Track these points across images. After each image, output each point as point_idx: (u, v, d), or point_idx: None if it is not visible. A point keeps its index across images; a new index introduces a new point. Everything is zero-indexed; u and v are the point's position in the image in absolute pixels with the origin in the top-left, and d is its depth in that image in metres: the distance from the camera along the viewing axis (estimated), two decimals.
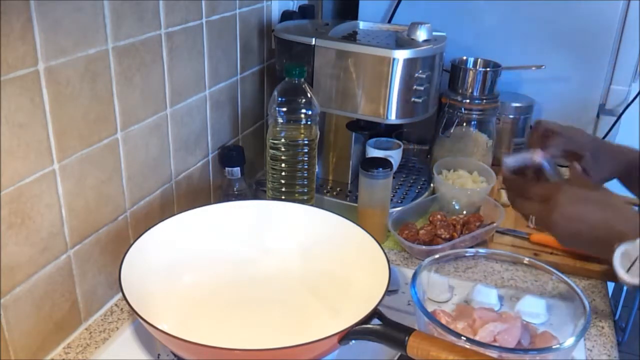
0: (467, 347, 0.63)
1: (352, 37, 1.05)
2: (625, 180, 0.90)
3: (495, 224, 0.99)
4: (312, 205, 0.92)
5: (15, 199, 0.63)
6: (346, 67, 0.98)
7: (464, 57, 1.20)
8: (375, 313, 0.64)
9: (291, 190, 0.96)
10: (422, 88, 0.98)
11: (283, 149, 0.93)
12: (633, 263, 0.65)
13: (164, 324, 0.69)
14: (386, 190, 0.96)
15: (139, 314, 0.65)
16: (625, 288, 1.29)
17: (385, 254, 0.75)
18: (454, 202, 1.06)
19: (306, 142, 0.93)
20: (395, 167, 1.03)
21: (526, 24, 1.23)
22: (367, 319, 0.64)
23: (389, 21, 1.29)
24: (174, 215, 0.82)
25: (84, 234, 0.75)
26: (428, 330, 0.67)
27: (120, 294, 0.68)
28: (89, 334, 0.77)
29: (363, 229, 0.81)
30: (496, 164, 1.24)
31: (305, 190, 0.97)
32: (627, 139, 1.24)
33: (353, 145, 1.09)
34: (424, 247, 0.94)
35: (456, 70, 1.16)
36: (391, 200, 1.02)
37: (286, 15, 1.16)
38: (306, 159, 0.94)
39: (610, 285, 0.94)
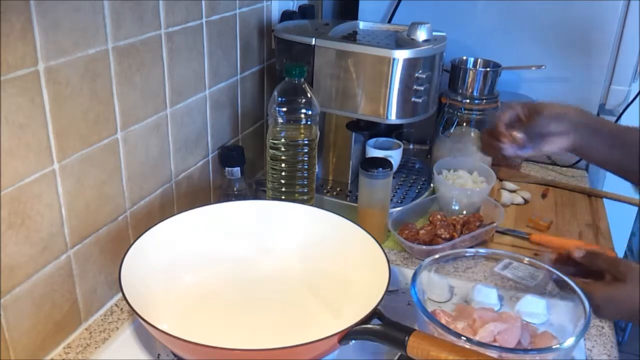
0: (467, 347, 0.63)
1: (352, 37, 1.05)
2: (620, 171, 0.85)
3: (495, 224, 0.99)
4: (312, 205, 0.92)
5: (15, 199, 0.63)
6: (346, 67, 0.98)
7: (464, 57, 1.20)
8: (375, 313, 0.64)
9: (291, 190, 0.96)
10: (422, 88, 0.98)
11: (283, 149, 0.93)
12: None
13: (164, 324, 0.69)
14: (386, 190, 0.96)
15: (139, 314, 0.65)
16: None
17: (385, 254, 0.75)
18: (454, 202, 1.06)
19: (306, 142, 0.93)
20: (395, 167, 1.03)
21: (526, 24, 1.23)
22: (367, 319, 0.64)
23: (389, 21, 1.29)
24: (174, 215, 0.82)
25: (84, 234, 0.75)
26: (428, 330, 0.67)
27: (120, 294, 0.68)
28: (89, 334, 0.77)
29: (363, 229, 0.81)
30: (496, 164, 1.24)
31: (305, 190, 0.97)
32: None
33: (353, 145, 1.09)
34: (424, 247, 0.94)
35: (456, 70, 1.16)
36: (391, 200, 1.02)
37: (286, 15, 1.16)
38: (306, 159, 0.94)
39: None
